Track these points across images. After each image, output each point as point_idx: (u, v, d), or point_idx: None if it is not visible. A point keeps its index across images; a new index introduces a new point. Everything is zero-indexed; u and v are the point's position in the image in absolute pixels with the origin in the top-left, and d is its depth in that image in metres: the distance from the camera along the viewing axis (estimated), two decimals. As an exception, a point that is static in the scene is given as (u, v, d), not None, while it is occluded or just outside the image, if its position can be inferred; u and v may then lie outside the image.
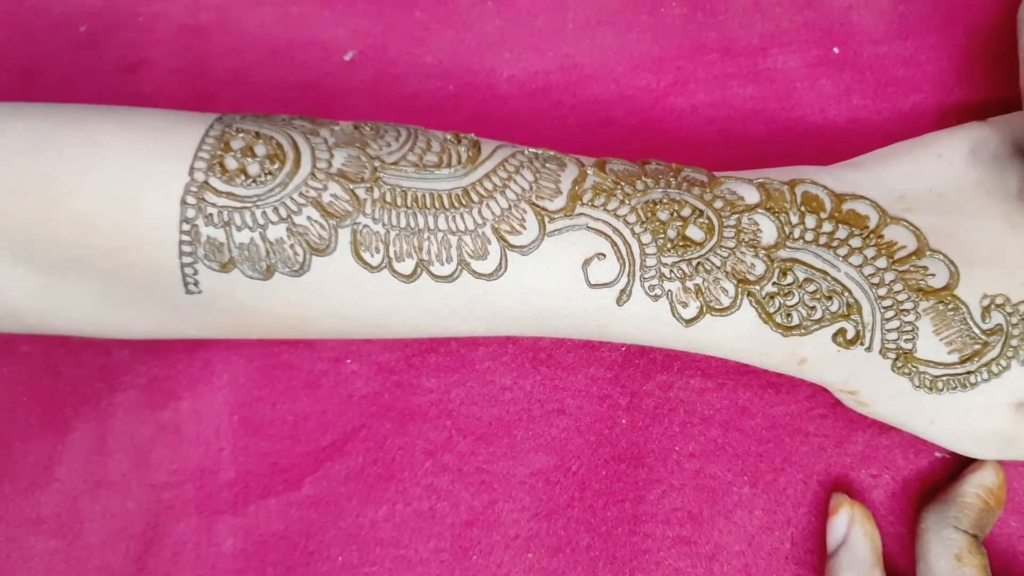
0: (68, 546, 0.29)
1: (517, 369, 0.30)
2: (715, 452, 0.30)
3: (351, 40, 0.34)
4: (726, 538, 0.29)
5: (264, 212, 0.25)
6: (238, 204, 0.25)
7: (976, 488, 0.28)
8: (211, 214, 0.25)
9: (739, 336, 0.26)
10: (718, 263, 0.26)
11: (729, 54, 0.34)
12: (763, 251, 0.26)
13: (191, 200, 0.25)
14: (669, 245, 0.26)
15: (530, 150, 0.27)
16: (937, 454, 0.30)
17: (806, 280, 0.26)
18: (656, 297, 0.26)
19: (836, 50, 0.34)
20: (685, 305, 0.26)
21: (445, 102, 0.33)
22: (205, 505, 0.30)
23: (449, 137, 0.27)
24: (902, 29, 0.35)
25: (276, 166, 0.25)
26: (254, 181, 0.25)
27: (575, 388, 0.30)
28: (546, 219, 0.26)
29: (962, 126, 0.30)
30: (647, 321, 0.26)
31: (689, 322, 0.26)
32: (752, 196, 0.27)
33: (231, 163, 0.25)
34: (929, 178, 0.28)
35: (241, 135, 0.26)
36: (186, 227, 0.25)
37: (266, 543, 0.29)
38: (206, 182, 0.25)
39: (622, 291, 0.26)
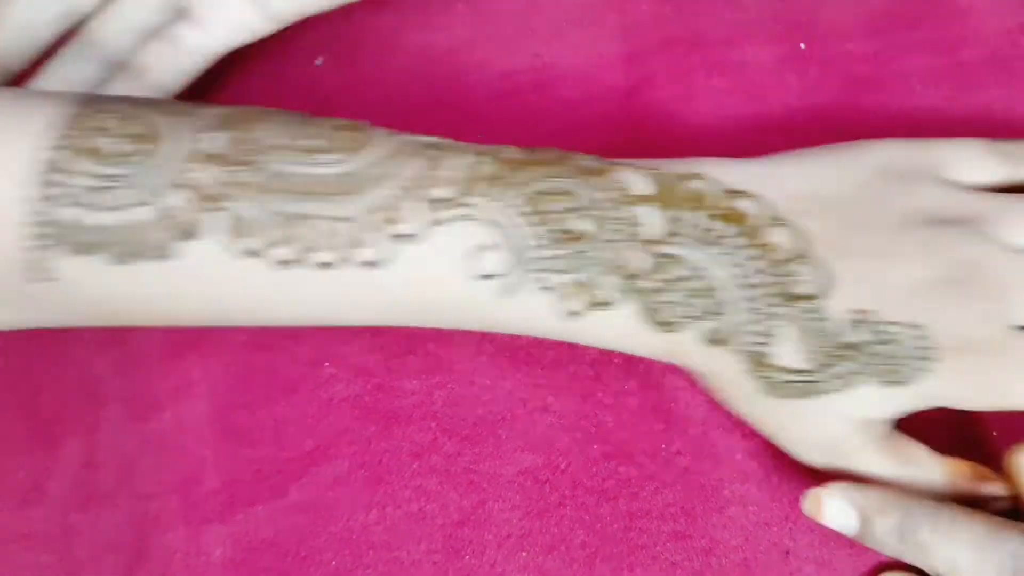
0: (59, 560, 0.30)
1: (497, 369, 0.30)
2: (703, 449, 0.30)
3: (321, 45, 0.35)
4: (722, 533, 0.29)
5: (128, 193, 0.24)
6: (100, 184, 0.24)
7: None
8: (69, 195, 0.24)
9: (621, 330, 0.27)
10: (602, 256, 0.26)
11: (697, 48, 0.34)
12: (647, 245, 0.26)
13: (49, 181, 0.24)
14: (553, 237, 0.26)
15: (424, 138, 0.27)
16: None
17: (685, 276, 0.26)
18: (542, 289, 0.26)
19: (803, 45, 0.34)
20: (569, 298, 0.26)
21: (415, 105, 0.34)
22: (192, 515, 0.30)
23: (338, 123, 0.26)
24: (869, 25, 0.35)
25: (147, 147, 0.25)
26: (119, 161, 0.24)
27: (557, 386, 0.30)
28: (431, 209, 0.25)
29: (879, 141, 0.30)
30: (531, 313, 0.26)
31: (573, 315, 0.26)
32: (641, 188, 0.27)
33: (94, 143, 0.24)
34: (828, 185, 0.28)
35: (105, 115, 0.25)
36: (41, 209, 0.24)
37: (256, 550, 0.29)
38: (65, 162, 0.24)
39: (507, 282, 0.26)
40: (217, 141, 0.25)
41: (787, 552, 0.29)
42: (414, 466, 0.30)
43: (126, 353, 0.31)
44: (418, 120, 0.33)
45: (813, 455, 0.28)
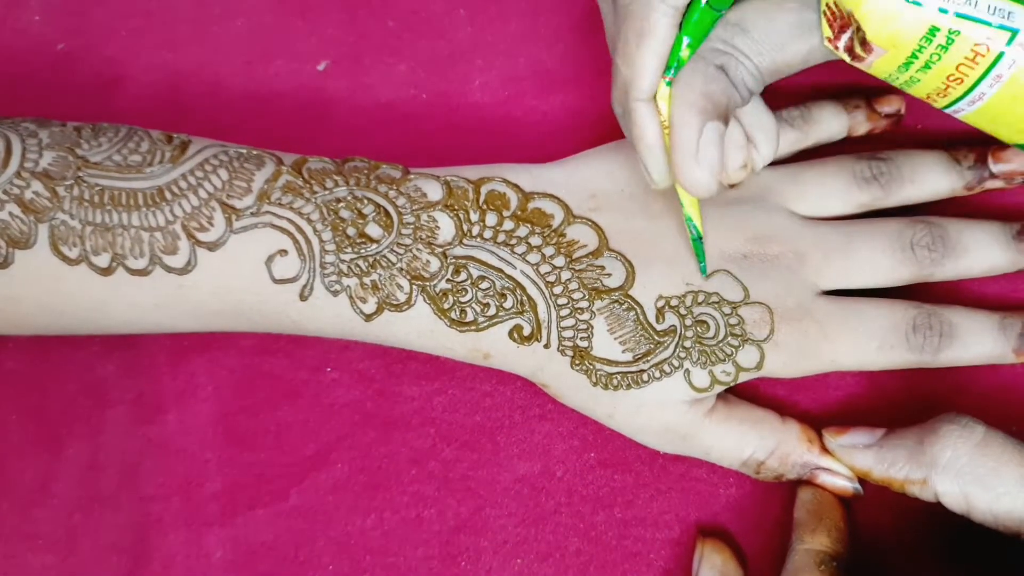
0: (63, 561, 0.31)
1: (497, 375, 0.31)
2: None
3: (324, 50, 0.35)
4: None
5: None
6: None
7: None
8: None
9: (419, 331, 0.28)
10: (394, 260, 0.28)
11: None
12: (439, 248, 0.28)
13: None
14: (347, 242, 0.28)
15: (237, 149, 0.29)
16: None
17: (480, 278, 0.28)
18: (336, 293, 0.28)
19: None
20: (364, 301, 0.28)
21: (419, 110, 0.34)
22: (193, 517, 0.31)
23: (161, 137, 0.29)
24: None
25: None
26: None
27: (554, 394, 0.31)
28: (233, 217, 0.28)
29: None
30: (332, 316, 0.28)
31: (369, 317, 0.28)
32: (435, 193, 0.29)
33: None
34: (626, 178, 0.30)
35: None
36: None
37: (255, 553, 0.30)
38: None
39: (304, 286, 0.28)
40: (46, 159, 0.28)
41: (778, 557, 0.29)
42: (412, 472, 0.31)
43: (132, 356, 0.32)
44: (421, 125, 0.34)
45: (659, 443, 0.30)
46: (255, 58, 0.35)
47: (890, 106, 0.32)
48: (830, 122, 0.31)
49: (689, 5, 0.25)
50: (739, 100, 0.26)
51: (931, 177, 0.30)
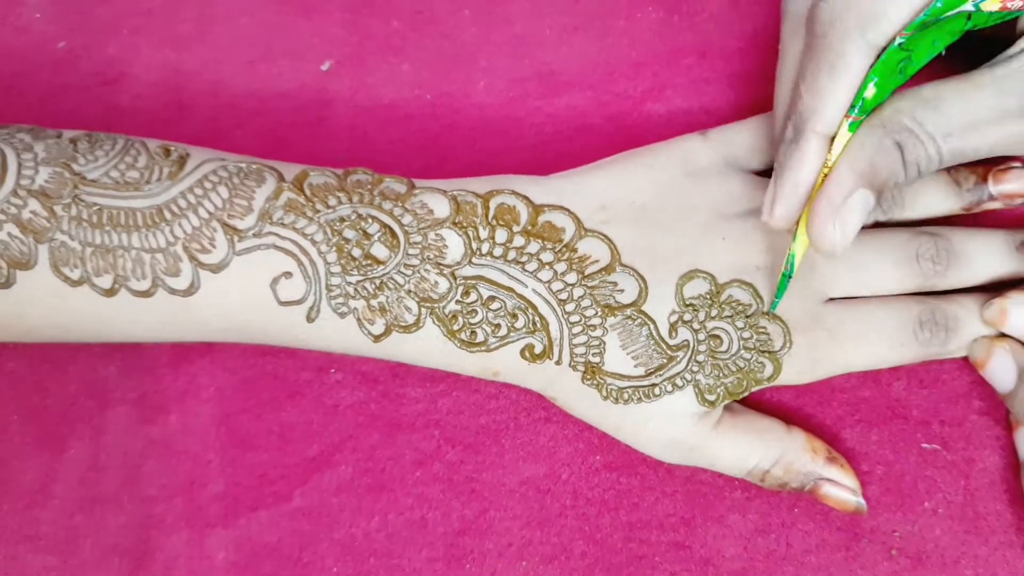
0: (64, 563, 0.31)
1: (501, 377, 0.32)
2: (703, 458, 0.31)
3: (328, 50, 0.36)
4: (721, 542, 0.30)
5: None
6: None
7: None
8: None
9: (429, 351, 0.28)
10: (402, 281, 0.28)
11: (706, 58, 0.35)
12: (447, 268, 0.28)
13: None
14: (353, 264, 0.28)
15: (236, 163, 0.29)
16: (924, 445, 0.31)
17: (490, 298, 0.28)
18: (343, 315, 0.28)
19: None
20: (372, 322, 0.28)
21: (422, 110, 0.35)
22: (196, 518, 0.31)
23: (159, 150, 0.29)
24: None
25: None
26: None
27: (559, 396, 0.31)
28: (235, 238, 0.27)
29: (679, 138, 0.31)
30: (339, 337, 0.28)
31: (378, 338, 0.28)
32: (442, 210, 0.28)
33: None
34: (635, 189, 0.30)
35: None
36: None
37: (258, 555, 0.31)
38: None
39: (310, 308, 0.28)
40: (42, 176, 0.27)
41: (783, 559, 0.30)
42: (417, 474, 0.31)
43: (134, 356, 0.33)
44: (424, 125, 0.35)
45: (665, 454, 0.30)
46: (258, 57, 0.35)
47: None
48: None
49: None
50: (903, 180, 0.26)
51: (931, 200, 0.30)
